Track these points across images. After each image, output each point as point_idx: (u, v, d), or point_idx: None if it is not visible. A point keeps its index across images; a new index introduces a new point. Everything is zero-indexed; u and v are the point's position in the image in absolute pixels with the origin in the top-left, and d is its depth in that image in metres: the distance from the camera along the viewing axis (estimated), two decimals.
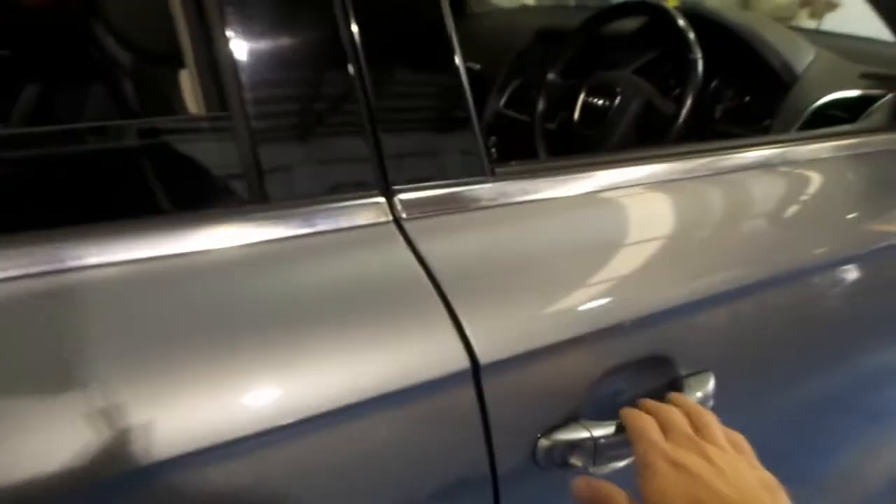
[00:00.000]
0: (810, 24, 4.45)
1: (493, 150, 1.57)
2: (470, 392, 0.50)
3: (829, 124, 1.04)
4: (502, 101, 1.72)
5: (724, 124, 1.22)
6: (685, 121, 1.17)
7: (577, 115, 1.22)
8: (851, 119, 1.03)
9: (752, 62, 1.18)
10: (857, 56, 1.23)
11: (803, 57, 1.18)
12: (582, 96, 1.21)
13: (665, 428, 0.49)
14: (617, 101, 1.15)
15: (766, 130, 1.14)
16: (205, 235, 0.46)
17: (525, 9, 2.27)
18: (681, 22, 1.11)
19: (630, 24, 1.34)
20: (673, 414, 0.51)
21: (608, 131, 1.15)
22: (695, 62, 1.06)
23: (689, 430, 0.49)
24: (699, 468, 0.45)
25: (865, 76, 1.12)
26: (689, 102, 1.06)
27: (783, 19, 4.75)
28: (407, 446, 0.49)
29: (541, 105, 1.32)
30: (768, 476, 0.47)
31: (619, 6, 1.25)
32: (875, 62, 1.20)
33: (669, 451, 0.46)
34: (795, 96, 1.12)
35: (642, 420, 0.50)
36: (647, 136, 1.17)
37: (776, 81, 1.16)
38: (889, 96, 1.02)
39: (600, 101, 1.18)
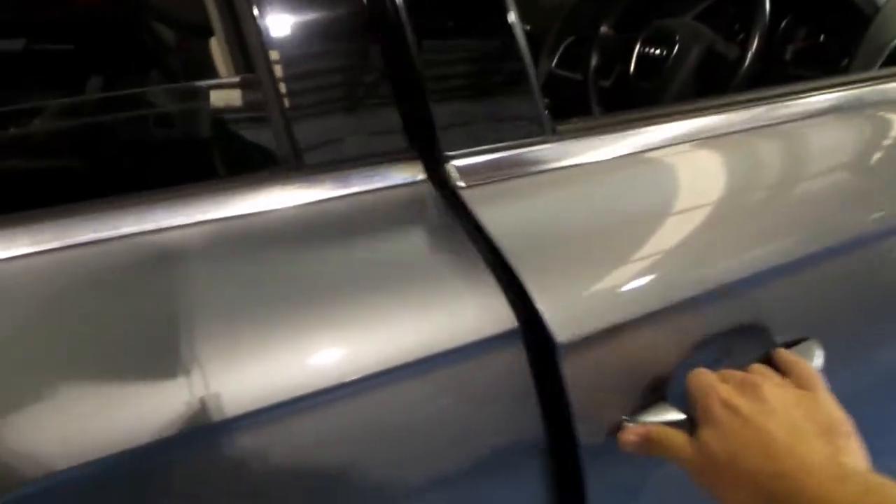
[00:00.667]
0: None
1: (546, 112, 1.50)
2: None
3: None
4: (554, 61, 1.64)
5: (796, 68, 1.12)
6: (752, 66, 1.08)
7: (632, 68, 1.14)
8: None
9: None
10: None
11: None
12: (637, 48, 1.13)
13: (724, 377, 0.48)
14: (676, 49, 1.07)
15: (843, 72, 1.04)
16: (246, 201, 0.44)
17: None
18: None
19: None
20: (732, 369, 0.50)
21: (667, 83, 1.07)
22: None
23: (745, 374, 0.48)
24: (751, 410, 0.44)
25: None
26: (755, 45, 0.98)
27: None
28: (467, 431, 0.46)
29: (594, 61, 1.24)
30: (836, 418, 0.45)
31: None
32: None
33: (724, 394, 0.45)
34: (877, 30, 1.02)
35: (704, 374, 0.49)
36: (711, 86, 1.09)
37: (855, 15, 1.05)
38: None
39: (657, 52, 1.10)
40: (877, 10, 1.03)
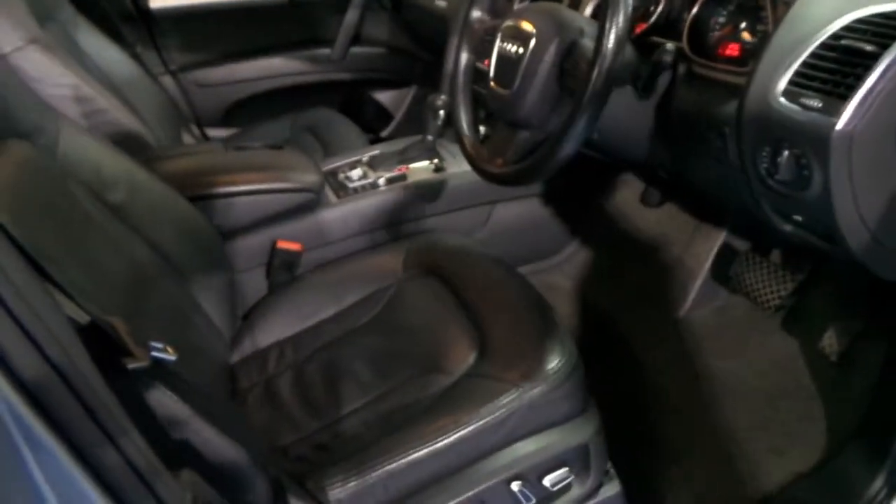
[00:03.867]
0: None
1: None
2: None
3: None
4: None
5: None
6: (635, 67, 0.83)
7: (492, 71, 0.90)
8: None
9: None
10: None
11: None
12: (497, 44, 0.89)
13: None
14: (530, 47, 0.82)
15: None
16: None
17: None
18: None
19: None
20: None
21: (520, 93, 0.83)
22: None
23: None
24: None
25: None
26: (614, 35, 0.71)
27: None
28: None
29: (464, 59, 1.00)
30: None
31: None
32: None
33: None
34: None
35: None
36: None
37: None
38: None
39: (514, 49, 0.85)
40: None
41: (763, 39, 0.81)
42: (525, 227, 1.39)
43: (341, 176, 1.27)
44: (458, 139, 0.96)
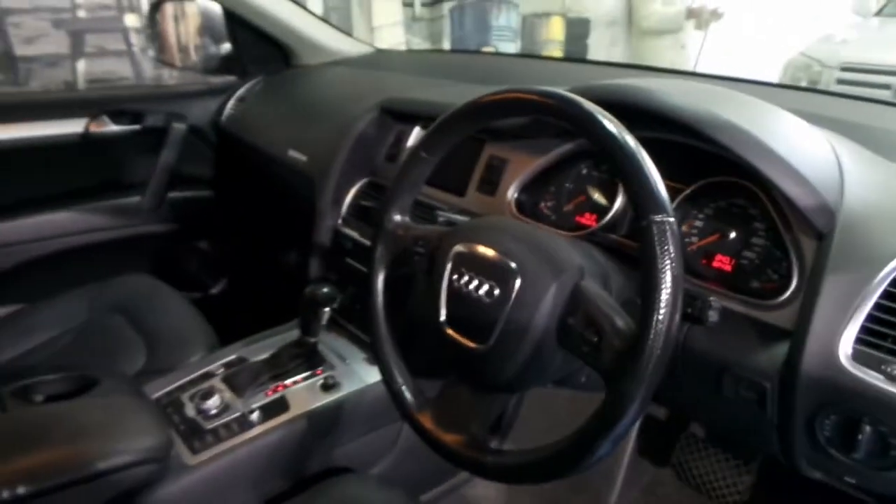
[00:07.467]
0: (697, 35, 4.24)
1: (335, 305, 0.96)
2: None
3: None
4: (342, 212, 1.13)
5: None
6: None
7: None
8: None
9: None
10: None
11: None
12: None
13: None
14: None
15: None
16: None
17: (380, 56, 1.68)
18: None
19: None
20: None
21: None
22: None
23: None
24: None
25: None
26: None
27: (669, 31, 4.52)
28: None
29: (380, 276, 0.74)
30: None
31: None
32: None
33: None
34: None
35: None
36: None
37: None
38: None
39: None
40: (832, 224, 0.63)
41: (766, 257, 0.67)
42: None
43: (190, 410, 0.90)
44: (395, 401, 0.68)
